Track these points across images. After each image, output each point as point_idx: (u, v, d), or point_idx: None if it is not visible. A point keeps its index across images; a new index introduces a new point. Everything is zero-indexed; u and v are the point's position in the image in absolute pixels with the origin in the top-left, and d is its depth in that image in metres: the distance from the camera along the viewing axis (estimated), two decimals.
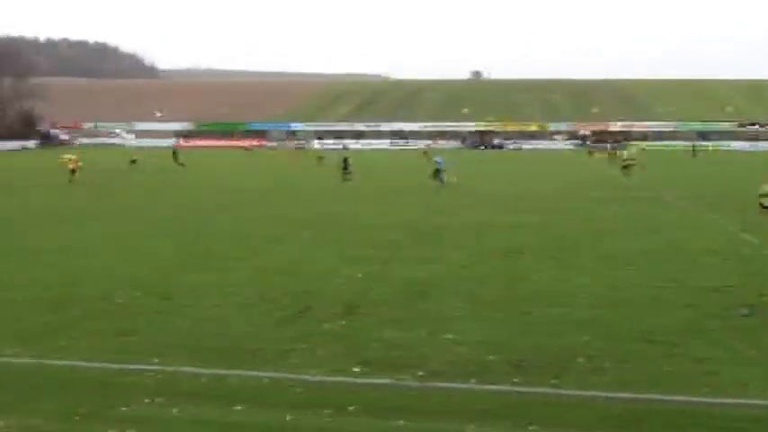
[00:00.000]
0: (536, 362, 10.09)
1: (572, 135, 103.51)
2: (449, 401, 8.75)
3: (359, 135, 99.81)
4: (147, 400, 8.85)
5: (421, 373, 9.59)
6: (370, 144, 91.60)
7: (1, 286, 14.97)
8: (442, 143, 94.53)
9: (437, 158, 39.36)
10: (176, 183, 34.81)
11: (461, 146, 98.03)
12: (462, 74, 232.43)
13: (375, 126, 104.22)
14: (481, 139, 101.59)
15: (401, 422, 8.13)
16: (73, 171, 39.88)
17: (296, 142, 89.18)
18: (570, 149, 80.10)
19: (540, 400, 8.72)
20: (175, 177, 42.66)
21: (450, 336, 11.32)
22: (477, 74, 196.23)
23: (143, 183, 39.38)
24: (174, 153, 58.66)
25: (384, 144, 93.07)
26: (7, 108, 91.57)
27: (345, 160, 42.63)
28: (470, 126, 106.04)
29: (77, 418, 8.41)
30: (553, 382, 9.31)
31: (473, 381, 9.37)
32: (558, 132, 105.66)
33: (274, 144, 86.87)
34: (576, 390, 9.06)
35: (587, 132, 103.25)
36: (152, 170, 49.45)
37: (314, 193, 33.99)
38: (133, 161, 52.06)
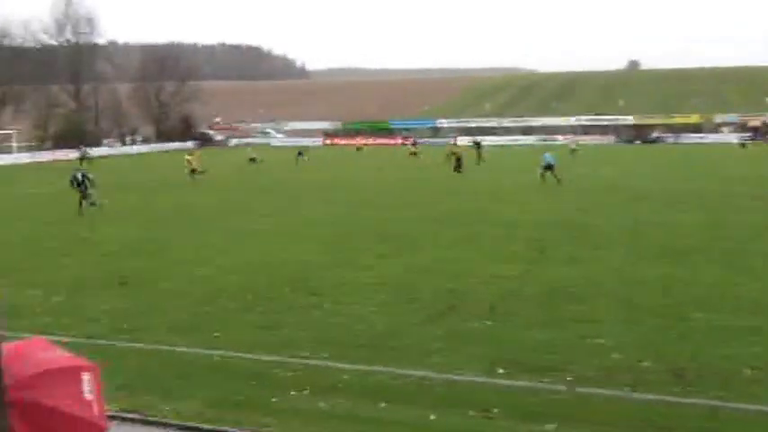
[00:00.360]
0: (697, 371, 9.44)
1: (741, 127, 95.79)
2: (601, 409, 8.35)
3: (506, 131, 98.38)
4: (294, 393, 9.02)
5: (570, 378, 9.22)
6: (518, 140, 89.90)
7: (158, 279, 15.79)
8: (593, 138, 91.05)
9: (546, 155, 37.44)
10: (316, 181, 35.49)
11: (616, 141, 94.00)
12: (618, 64, 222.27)
13: (523, 121, 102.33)
14: (637, 133, 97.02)
15: (549, 427, 7.83)
16: (193, 171, 41.77)
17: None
18: (737, 143, 75.03)
19: (704, 413, 8.13)
20: (313, 176, 43.59)
21: (602, 340, 10.81)
22: (634, 64, 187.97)
23: (284, 180, 40.48)
24: (300, 152, 59.71)
25: (531, 140, 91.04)
26: (169, 111, 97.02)
27: (459, 159, 42.00)
28: (626, 119, 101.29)
29: (229, 405, 8.70)
30: (717, 393, 8.66)
31: (626, 388, 8.90)
32: (725, 124, 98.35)
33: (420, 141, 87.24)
34: (744, 403, 8.38)
35: (758, 124, 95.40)
36: (273, 167, 50.87)
37: (453, 190, 33.68)
38: (252, 159, 53.25)
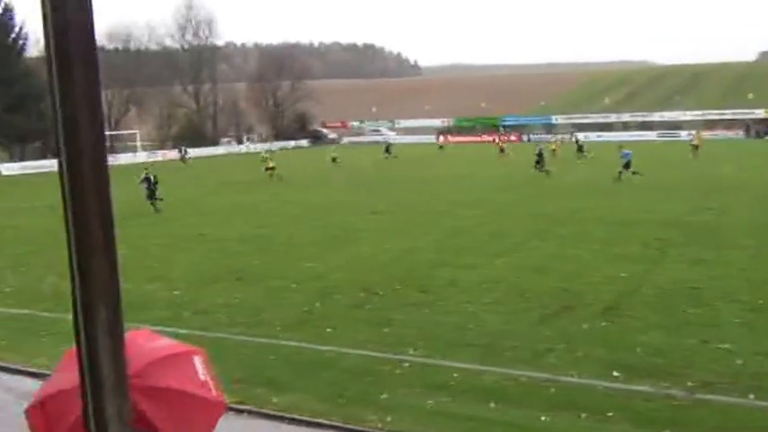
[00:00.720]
0: None
1: None
2: (723, 417, 7.97)
3: (624, 126, 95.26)
4: (404, 390, 9.04)
5: (690, 384, 8.83)
6: (641, 136, 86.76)
7: (270, 275, 16.18)
8: (718, 133, 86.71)
9: (625, 151, 35.85)
10: (424, 178, 35.44)
11: (744, 136, 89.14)
12: (747, 56, 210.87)
13: (643, 116, 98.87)
14: None
15: None
16: (270, 169, 43.20)
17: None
18: None
19: None
20: (421, 174, 43.59)
21: (725, 345, 10.30)
22: (765, 55, 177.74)
23: (393, 177, 40.67)
24: (387, 147, 61.09)
25: (651, 135, 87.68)
26: (285, 110, 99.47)
27: (540, 153, 40.75)
28: (756, 113, 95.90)
29: (342, 400, 8.84)
30: None
31: (752, 396, 8.45)
32: None
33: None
34: None
35: None
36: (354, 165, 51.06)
37: (566, 187, 32.89)
38: (333, 159, 53.63)
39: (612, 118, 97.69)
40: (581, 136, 71.70)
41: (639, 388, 8.82)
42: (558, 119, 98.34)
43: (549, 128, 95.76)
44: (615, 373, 9.30)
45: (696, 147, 52.62)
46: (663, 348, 10.22)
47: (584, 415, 8.12)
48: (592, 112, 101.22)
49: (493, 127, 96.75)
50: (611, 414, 8.11)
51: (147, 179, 29.44)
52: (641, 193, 29.35)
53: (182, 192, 35.76)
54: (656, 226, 21.05)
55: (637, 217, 22.95)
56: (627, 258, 16.64)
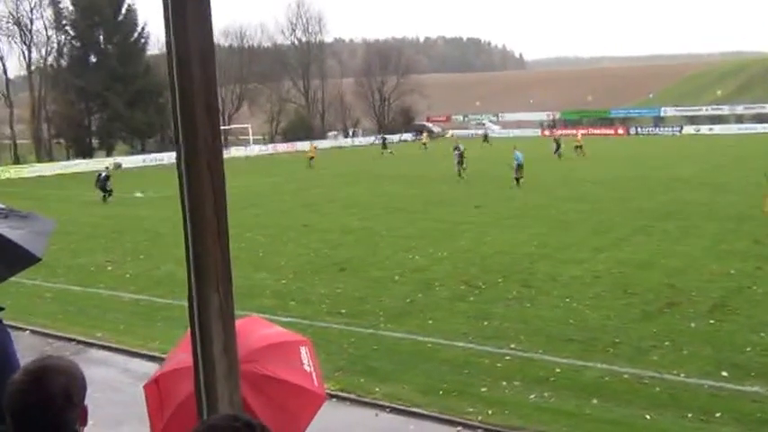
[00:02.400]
0: None
1: None
2: None
3: (738, 119, 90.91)
4: (504, 384, 9.06)
5: None
6: (755, 129, 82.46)
7: (372, 266, 16.45)
8: None
9: (516, 153, 32.80)
10: (528, 173, 34.74)
11: None
12: None
13: (758, 108, 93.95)
14: None
15: None
16: (311, 158, 46.99)
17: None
18: None
19: None
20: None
21: None
22: None
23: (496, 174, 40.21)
24: (485, 137, 66.05)
25: (767, 128, 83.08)
26: (390, 104, 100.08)
27: (557, 143, 38.90)
28: None
29: (440, 392, 8.93)
30: None
31: None
32: None
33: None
34: None
35: None
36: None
37: (669, 180, 31.72)
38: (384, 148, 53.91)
39: (725, 110, 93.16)
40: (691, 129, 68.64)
41: (748, 389, 8.55)
42: (667, 111, 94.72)
43: (659, 120, 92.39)
44: (723, 373, 9.03)
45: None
46: None
47: (689, 415, 7.95)
48: (703, 104, 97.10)
49: (601, 120, 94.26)
50: (718, 415, 7.90)
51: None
52: (755, 188, 27.98)
53: (289, 185, 36.57)
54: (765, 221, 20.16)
55: (746, 212, 21.96)
56: (737, 255, 16.02)
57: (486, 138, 67.21)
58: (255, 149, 70.25)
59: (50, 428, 2.18)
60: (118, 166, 33.62)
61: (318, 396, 2.96)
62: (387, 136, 69.33)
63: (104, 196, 31.89)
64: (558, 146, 47.09)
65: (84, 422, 2.28)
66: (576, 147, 47.47)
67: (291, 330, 3.32)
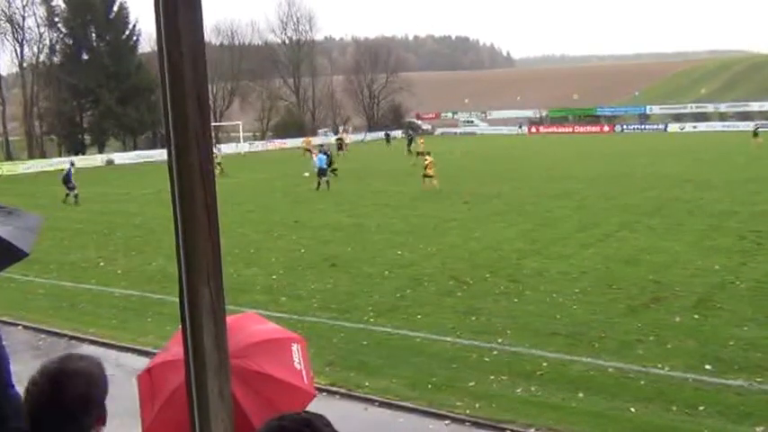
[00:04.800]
0: None
1: None
2: None
3: (722, 117, 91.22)
4: (492, 378, 9.16)
5: None
6: (739, 126, 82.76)
7: (362, 262, 16.52)
8: None
9: (320, 155, 33.27)
10: (516, 170, 34.94)
11: None
12: None
13: (741, 106, 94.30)
14: None
15: (759, 429, 7.42)
16: (308, 150, 47.55)
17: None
18: None
19: None
20: (515, 166, 43.11)
21: None
22: None
23: (484, 170, 40.34)
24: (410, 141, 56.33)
25: (750, 126, 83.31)
26: (380, 101, 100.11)
27: (328, 155, 36.77)
28: None
29: (429, 386, 9.04)
30: None
31: None
32: None
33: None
34: None
35: None
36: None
37: (654, 177, 31.88)
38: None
39: (709, 108, 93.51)
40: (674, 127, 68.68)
41: (732, 382, 8.68)
42: (652, 109, 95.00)
43: (644, 118, 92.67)
44: (707, 367, 9.16)
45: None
46: (758, 343, 9.98)
47: (674, 408, 8.07)
48: (687, 102, 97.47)
49: (587, 117, 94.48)
50: (702, 407, 8.03)
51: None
52: (738, 185, 28.22)
53: (280, 182, 36.58)
54: (748, 218, 20.39)
55: (729, 208, 22.16)
56: (722, 250, 16.17)
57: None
58: (246, 146, 70.16)
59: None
60: (72, 164, 33.46)
61: (307, 394, 2.99)
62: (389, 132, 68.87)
63: (69, 195, 30.82)
64: (410, 141, 52.53)
65: (102, 422, 2.30)
66: (419, 153, 42.30)
67: (283, 326, 3.37)
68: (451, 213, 23.35)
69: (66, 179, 31.02)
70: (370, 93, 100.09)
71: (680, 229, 19.19)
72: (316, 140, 65.22)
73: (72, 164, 33.42)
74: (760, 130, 54.55)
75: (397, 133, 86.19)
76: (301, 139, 59.81)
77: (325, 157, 33.12)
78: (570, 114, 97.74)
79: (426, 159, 31.37)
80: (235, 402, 2.56)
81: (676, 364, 9.30)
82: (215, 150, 29.83)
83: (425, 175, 30.31)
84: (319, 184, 31.66)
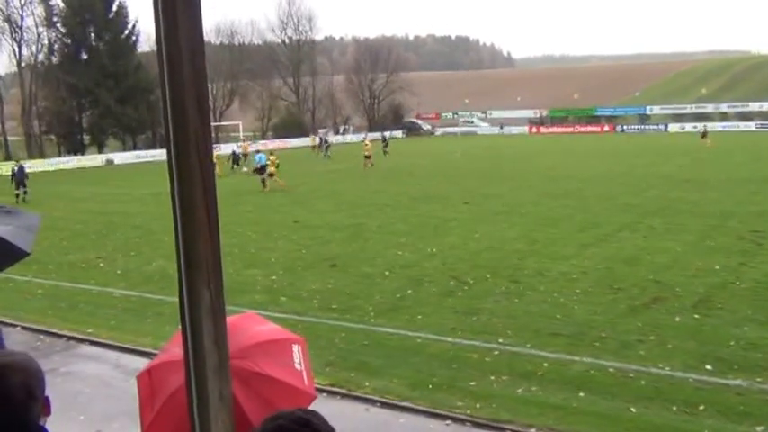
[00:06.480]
0: None
1: None
2: None
3: (722, 117, 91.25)
4: (492, 378, 9.15)
5: None
6: (739, 126, 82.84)
7: (362, 262, 16.50)
8: None
9: (258, 155, 35.25)
10: (516, 170, 35.00)
11: None
12: None
13: (742, 106, 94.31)
14: None
15: (759, 429, 7.41)
16: (314, 148, 48.05)
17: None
18: None
19: None
20: (513, 165, 43.13)
21: None
22: None
23: (484, 171, 40.38)
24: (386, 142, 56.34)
25: (750, 126, 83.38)
26: (380, 101, 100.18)
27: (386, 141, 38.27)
28: None
29: (430, 386, 9.02)
30: None
31: None
32: None
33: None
34: None
35: None
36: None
37: (654, 177, 31.88)
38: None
39: (710, 108, 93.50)
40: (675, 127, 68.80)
41: (732, 382, 8.67)
42: (652, 109, 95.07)
43: (644, 118, 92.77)
44: (708, 366, 9.15)
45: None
46: (759, 342, 9.97)
47: (674, 407, 8.05)
48: (688, 103, 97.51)
49: (587, 117, 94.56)
50: (702, 407, 8.01)
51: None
52: (730, 185, 28.21)
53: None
54: (749, 218, 20.35)
55: (730, 209, 22.14)
56: (722, 250, 16.16)
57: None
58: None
59: (16, 425, 2.20)
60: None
61: (307, 395, 2.98)
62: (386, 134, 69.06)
63: (21, 194, 30.96)
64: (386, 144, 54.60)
65: (47, 412, 2.31)
66: (366, 156, 44.36)
67: (283, 327, 3.36)
68: (452, 213, 23.34)
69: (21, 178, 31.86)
70: (371, 93, 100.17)
71: (680, 229, 19.17)
72: (316, 140, 65.34)
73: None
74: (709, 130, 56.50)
75: (398, 133, 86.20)
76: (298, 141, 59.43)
77: (264, 156, 34.48)
78: (570, 114, 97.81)
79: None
80: (235, 403, 2.57)
81: (676, 364, 9.29)
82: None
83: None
84: (264, 182, 32.65)
